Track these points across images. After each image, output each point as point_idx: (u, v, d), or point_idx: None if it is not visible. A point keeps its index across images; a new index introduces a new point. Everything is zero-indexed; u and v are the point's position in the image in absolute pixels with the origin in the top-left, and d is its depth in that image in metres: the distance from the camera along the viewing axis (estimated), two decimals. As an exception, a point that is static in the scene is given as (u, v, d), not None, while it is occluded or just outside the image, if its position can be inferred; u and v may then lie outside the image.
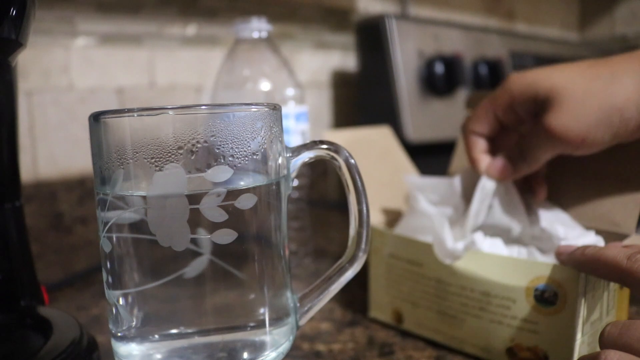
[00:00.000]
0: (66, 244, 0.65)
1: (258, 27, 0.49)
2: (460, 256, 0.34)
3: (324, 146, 0.30)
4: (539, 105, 0.35)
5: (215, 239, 0.26)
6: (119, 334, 0.28)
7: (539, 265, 0.30)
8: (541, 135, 0.35)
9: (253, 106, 0.28)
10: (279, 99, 0.49)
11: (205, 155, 0.26)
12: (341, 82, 0.97)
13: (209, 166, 0.26)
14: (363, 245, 0.30)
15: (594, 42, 1.48)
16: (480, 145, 0.39)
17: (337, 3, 0.95)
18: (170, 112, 0.26)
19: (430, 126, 0.85)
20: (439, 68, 0.85)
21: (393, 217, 0.43)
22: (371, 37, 0.85)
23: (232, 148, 0.26)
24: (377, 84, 0.85)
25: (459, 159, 0.46)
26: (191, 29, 0.77)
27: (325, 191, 0.91)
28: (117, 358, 0.29)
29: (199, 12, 0.77)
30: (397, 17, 0.84)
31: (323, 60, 0.94)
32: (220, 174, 0.26)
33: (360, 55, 0.89)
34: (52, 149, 0.66)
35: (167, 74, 0.75)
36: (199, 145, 0.26)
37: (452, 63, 0.86)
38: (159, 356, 0.28)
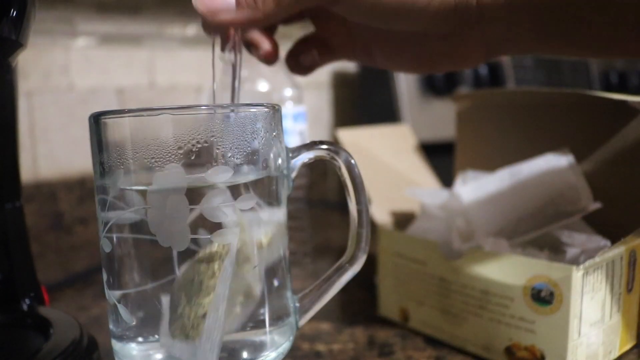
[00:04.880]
0: (66, 244, 0.65)
1: (256, 28, 0.49)
2: (463, 255, 0.34)
3: (324, 146, 0.30)
4: None
5: (215, 239, 0.26)
6: (119, 334, 0.28)
7: (536, 264, 0.30)
8: None
9: (253, 106, 0.28)
10: (276, 99, 0.49)
11: (205, 155, 0.26)
12: (341, 82, 0.97)
13: (209, 166, 0.26)
14: (363, 246, 0.30)
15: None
16: None
17: (337, 3, 0.95)
18: (170, 112, 0.26)
19: (430, 126, 0.85)
20: (439, 68, 0.85)
21: (405, 217, 0.43)
22: (371, 37, 0.85)
23: (232, 148, 0.26)
24: (377, 84, 0.85)
25: (461, 155, 0.46)
26: (191, 29, 0.77)
27: (325, 191, 0.91)
28: (117, 358, 0.29)
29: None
30: (397, 18, 0.84)
31: (323, 60, 0.94)
32: (220, 174, 0.26)
33: (360, 56, 0.89)
34: (52, 149, 0.66)
35: (167, 74, 0.75)
36: (199, 146, 0.26)
37: (452, 63, 0.86)
38: (159, 356, 0.28)
